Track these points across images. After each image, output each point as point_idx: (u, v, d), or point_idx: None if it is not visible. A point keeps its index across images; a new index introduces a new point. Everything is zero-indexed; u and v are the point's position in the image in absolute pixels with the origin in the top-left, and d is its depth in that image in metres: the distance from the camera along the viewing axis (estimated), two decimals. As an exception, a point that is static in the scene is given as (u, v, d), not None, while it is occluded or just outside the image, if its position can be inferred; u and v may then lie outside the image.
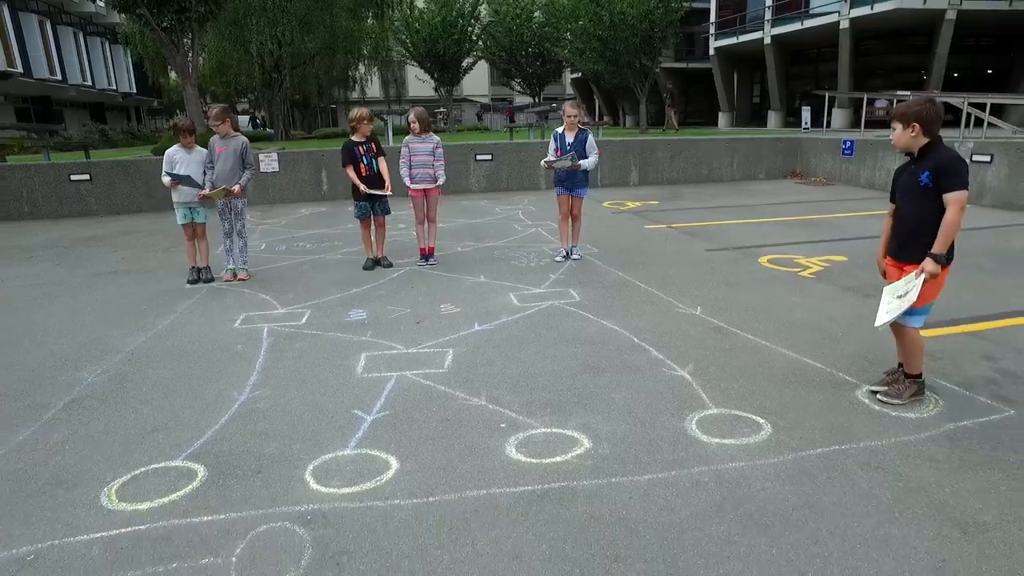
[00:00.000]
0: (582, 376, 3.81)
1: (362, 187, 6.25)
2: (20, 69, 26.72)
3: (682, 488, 2.67)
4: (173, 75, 34.53)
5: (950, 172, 3.07)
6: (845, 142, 12.48)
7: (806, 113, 18.63)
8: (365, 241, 6.70)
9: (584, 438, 3.09)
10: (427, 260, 6.69)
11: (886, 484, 2.66)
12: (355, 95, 36.34)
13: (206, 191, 5.88)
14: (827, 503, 2.54)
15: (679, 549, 2.29)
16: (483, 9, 30.28)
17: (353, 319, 4.97)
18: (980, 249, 6.83)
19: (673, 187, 12.98)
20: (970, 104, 11.57)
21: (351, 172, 6.35)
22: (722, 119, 30.28)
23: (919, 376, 3.41)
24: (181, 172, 5.90)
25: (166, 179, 5.98)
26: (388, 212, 6.66)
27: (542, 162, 6.66)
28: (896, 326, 3.35)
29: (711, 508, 2.53)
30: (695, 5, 28.91)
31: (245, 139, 6.04)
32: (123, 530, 2.48)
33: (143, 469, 2.91)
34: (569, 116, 6.34)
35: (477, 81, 44.40)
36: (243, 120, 33.39)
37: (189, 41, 15.14)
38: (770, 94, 26.99)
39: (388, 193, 6.44)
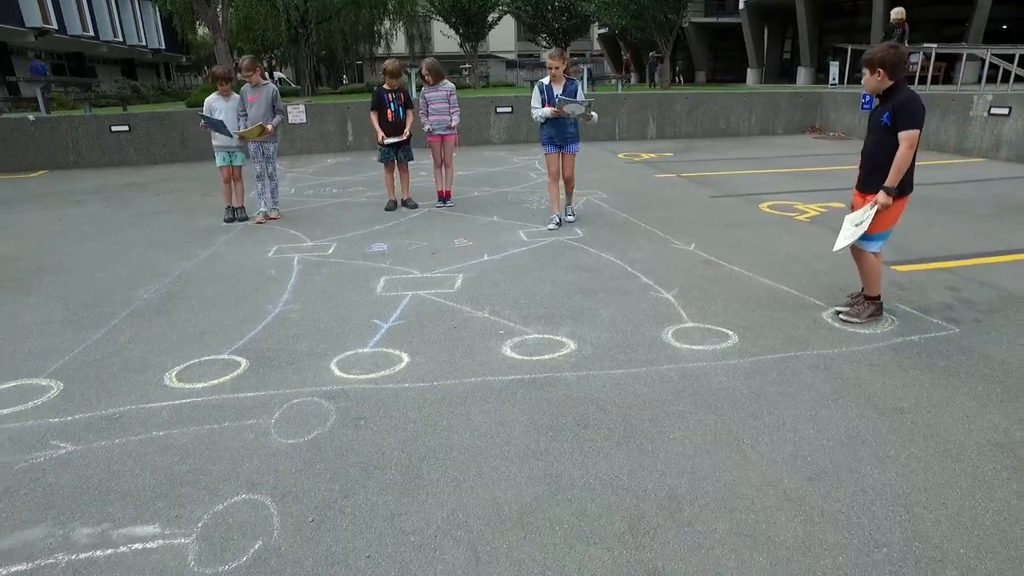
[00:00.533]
0: (576, 296, 4.25)
1: (380, 134, 6.77)
2: (55, 26, 27.29)
3: (649, 380, 3.13)
4: (201, 31, 34.91)
5: (904, 112, 3.37)
6: (864, 96, 12.46)
7: (834, 69, 18.36)
8: (388, 184, 7.18)
9: (571, 342, 3.55)
10: (444, 202, 7.11)
11: (827, 380, 3.08)
12: (380, 50, 36.32)
13: (242, 130, 6.25)
14: (772, 392, 2.98)
15: (637, 420, 2.76)
16: (509, -39, 29.91)
17: (375, 250, 5.47)
18: (983, 199, 7.04)
19: (689, 140, 13.15)
20: (996, 56, 11.46)
21: (374, 118, 6.80)
22: (750, 75, 29.78)
23: (878, 298, 3.78)
24: (220, 118, 6.33)
25: (201, 121, 6.53)
26: (411, 158, 7.11)
27: (538, 114, 5.82)
28: (856, 251, 3.71)
29: (671, 394, 2.99)
30: (726, -44, 28.27)
31: (274, 86, 6.43)
32: (184, 401, 3.03)
33: (196, 360, 3.46)
34: (551, 69, 5.76)
35: (503, 36, 43.95)
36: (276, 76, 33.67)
37: (219, -5, 15.46)
38: (800, 49, 26.45)
39: (402, 138, 6.81)
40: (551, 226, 6.07)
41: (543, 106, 5.78)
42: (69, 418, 2.89)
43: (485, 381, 3.14)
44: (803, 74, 26.28)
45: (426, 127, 6.86)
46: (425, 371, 3.26)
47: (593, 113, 5.74)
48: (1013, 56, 11.31)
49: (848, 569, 1.92)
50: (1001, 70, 11.79)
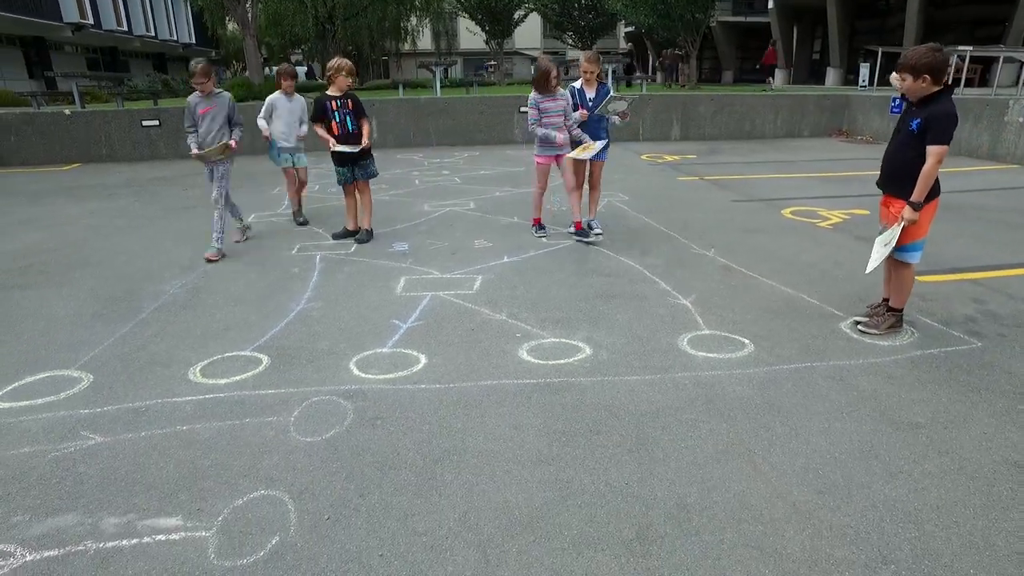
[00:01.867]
0: (593, 300, 4.28)
1: (331, 142, 5.44)
2: (91, 21, 27.90)
3: (663, 387, 3.14)
4: (231, 26, 35.39)
5: (935, 126, 3.29)
6: (894, 99, 12.25)
7: (864, 70, 18.07)
8: (348, 208, 5.98)
9: (586, 347, 3.58)
10: (586, 233, 5.73)
11: (842, 392, 3.07)
12: (406, 47, 36.55)
13: (196, 151, 5.27)
14: (786, 403, 2.98)
15: (650, 428, 2.78)
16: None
17: (396, 249, 5.54)
18: (1014, 207, 6.91)
19: (713, 142, 13.04)
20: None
21: (320, 129, 5.50)
22: (777, 76, 29.36)
23: (901, 311, 3.74)
24: (282, 117, 6.15)
25: (262, 124, 6.18)
26: (372, 175, 5.83)
27: (534, 128, 5.58)
28: (894, 262, 3.65)
29: (684, 402, 3.00)
30: (756, -46, 27.92)
31: (230, 95, 5.42)
32: (207, 396, 3.12)
33: (219, 356, 3.55)
34: (586, 72, 5.51)
35: (529, 34, 43.86)
36: (300, 71, 34.04)
37: (249, -8, 15.67)
38: (830, 50, 26.04)
39: (355, 149, 5.49)
40: (571, 233, 5.77)
41: (577, 110, 5.52)
42: (98, 410, 2.99)
43: (501, 384, 3.18)
44: (832, 75, 25.88)
45: (556, 140, 5.51)
46: (442, 373, 3.31)
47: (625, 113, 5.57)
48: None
49: (855, 585, 1.93)
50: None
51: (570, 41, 34.96)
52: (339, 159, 5.59)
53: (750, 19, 32.21)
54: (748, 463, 2.53)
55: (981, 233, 5.82)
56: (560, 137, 5.46)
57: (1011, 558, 2.02)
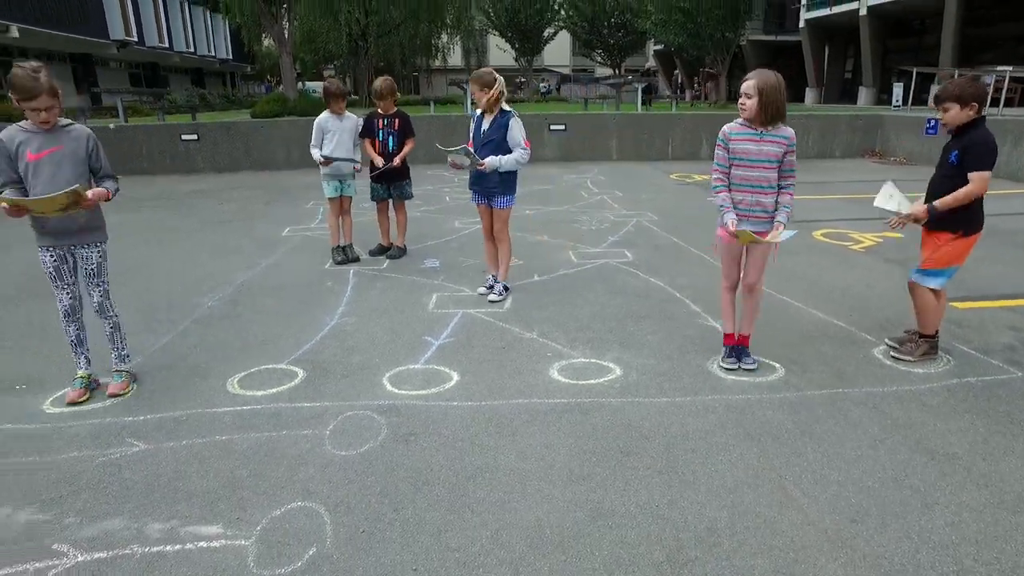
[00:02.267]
0: (624, 321, 4.30)
1: (378, 159, 5.55)
2: (136, 38, 28.88)
3: (694, 410, 3.15)
4: (266, 42, 36.31)
5: (974, 155, 3.32)
6: (929, 120, 12.10)
7: (898, 90, 17.90)
8: (380, 226, 5.96)
9: (617, 368, 3.60)
10: (740, 357, 3.64)
11: (876, 420, 3.04)
12: (437, 63, 37.07)
13: (30, 197, 2.98)
14: (817, 429, 2.96)
15: (680, 451, 2.79)
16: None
17: (427, 266, 5.63)
18: (1050, 232, 6.77)
19: (744, 162, 12.98)
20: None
21: (367, 146, 5.63)
22: (809, 95, 29.23)
23: (933, 336, 3.70)
24: (333, 140, 5.46)
25: (316, 154, 5.44)
26: (407, 196, 5.84)
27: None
28: (911, 285, 3.63)
29: (715, 425, 3.00)
30: (788, -26, 27.90)
31: (88, 131, 3.20)
32: (244, 407, 3.20)
33: (256, 368, 3.64)
34: (474, 95, 4.46)
35: (558, 51, 44.29)
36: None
37: (285, 11, 16.10)
38: (863, 69, 25.83)
39: (387, 166, 5.54)
40: (482, 290, 4.88)
41: (465, 145, 4.47)
42: (141, 418, 3.10)
43: (531, 403, 3.22)
44: (864, 94, 25.67)
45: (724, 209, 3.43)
46: (474, 390, 3.36)
47: (485, 161, 4.37)
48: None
49: (890, 616, 1.92)
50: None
51: (599, 59, 35.22)
52: (376, 175, 5.67)
53: (781, 38, 32.09)
54: (779, 489, 2.52)
55: (1018, 259, 5.71)
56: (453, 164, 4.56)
57: (1052, 595, 1.99)
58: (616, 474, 2.63)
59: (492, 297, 4.74)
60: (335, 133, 5.48)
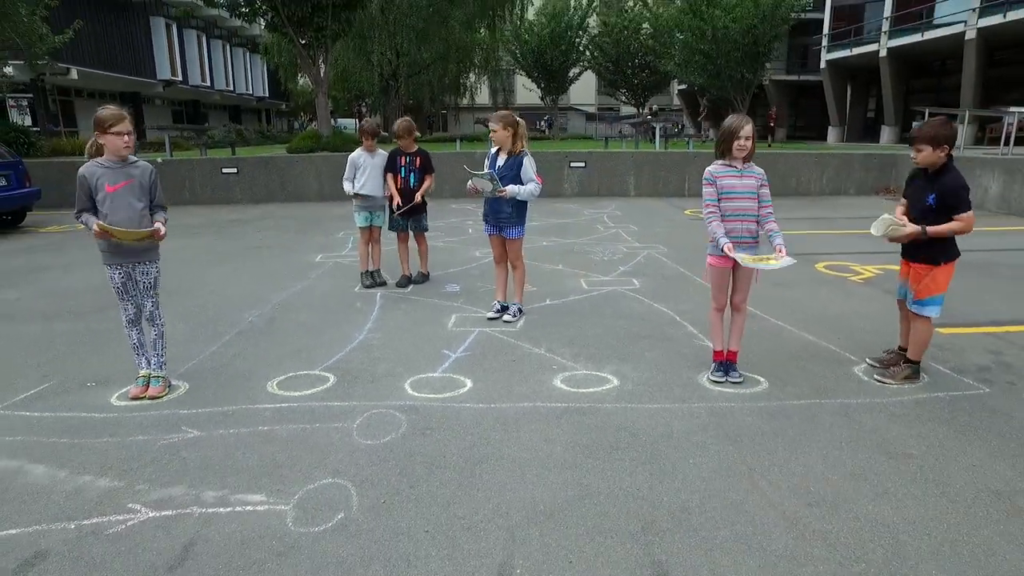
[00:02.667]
0: (625, 340, 4.68)
1: (396, 199, 5.95)
2: (180, 78, 30.54)
3: (680, 414, 3.51)
4: (301, 81, 37.97)
5: (957, 199, 3.62)
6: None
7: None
8: (400, 255, 6.34)
9: (614, 379, 3.98)
10: (728, 371, 3.97)
11: (846, 426, 3.37)
12: (465, 101, 38.31)
13: (97, 227, 3.51)
14: (790, 432, 3.30)
15: (663, 447, 3.15)
16: (592, 21, 31.25)
17: (448, 290, 6.09)
18: (1047, 266, 7.00)
19: (759, 198, 13.34)
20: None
21: (390, 181, 6.03)
22: (831, 134, 29.55)
23: (918, 363, 3.98)
24: (365, 174, 5.94)
25: (348, 187, 6.00)
26: (423, 229, 6.31)
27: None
28: (912, 315, 3.88)
29: (697, 427, 3.36)
30: (809, 16, 28.55)
31: (151, 166, 3.78)
32: (283, 405, 3.65)
33: (293, 373, 4.10)
34: (493, 132, 4.89)
35: (584, 90, 45.34)
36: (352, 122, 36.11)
37: (323, 54, 17.09)
38: (884, 109, 26.13)
39: (409, 204, 5.95)
40: (491, 314, 5.21)
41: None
42: (195, 411, 3.56)
43: (535, 407, 3.61)
44: (887, 133, 25.88)
45: (717, 235, 3.74)
46: (485, 395, 3.77)
47: (507, 188, 4.75)
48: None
49: (828, 575, 2.25)
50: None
51: (623, 98, 36.04)
52: (398, 211, 6.01)
53: (803, 77, 32.62)
54: (747, 479, 2.87)
55: (1010, 290, 5.97)
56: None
57: (973, 563, 2.30)
58: (604, 464, 3.00)
59: (507, 318, 5.15)
60: (366, 168, 5.96)
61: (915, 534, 2.47)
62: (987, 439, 3.22)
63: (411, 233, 6.29)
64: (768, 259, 3.71)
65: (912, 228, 3.71)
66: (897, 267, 6.38)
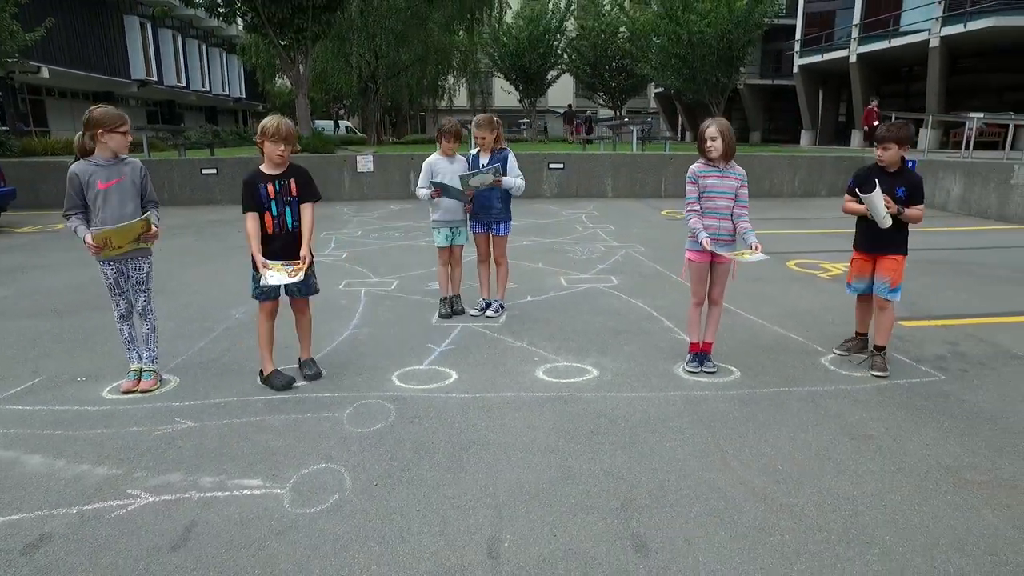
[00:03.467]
0: (604, 334, 4.86)
1: (259, 259, 3.78)
2: (155, 78, 30.21)
3: (657, 402, 3.69)
4: (278, 82, 37.74)
5: (919, 191, 4.02)
6: (908, 162, 12.76)
7: (883, 133, 18.60)
8: (267, 343, 3.98)
9: (594, 370, 4.15)
10: (702, 362, 4.15)
11: (811, 411, 3.57)
12: (443, 103, 38.39)
13: (104, 229, 3.54)
14: (761, 417, 3.49)
15: (641, 431, 3.33)
16: (569, 24, 31.56)
17: (432, 288, 6.20)
18: (1007, 263, 7.33)
19: (733, 199, 13.66)
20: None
21: (250, 224, 3.81)
22: (804, 137, 30.16)
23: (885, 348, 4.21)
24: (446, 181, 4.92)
25: (423, 192, 5.04)
26: (313, 291, 4.11)
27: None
28: (882, 301, 4.12)
29: (673, 414, 3.54)
30: (782, 22, 29.18)
31: (140, 163, 3.85)
32: (274, 396, 3.76)
33: (282, 367, 4.18)
34: (478, 138, 5.01)
35: (561, 93, 45.62)
36: (343, 126, 35.99)
37: (303, 56, 17.08)
38: (855, 113, 26.77)
39: (291, 270, 3.75)
40: (474, 311, 5.33)
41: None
42: (187, 403, 3.65)
43: (519, 396, 3.76)
44: (857, 137, 26.46)
45: (701, 236, 3.91)
46: (469, 385, 3.91)
47: (504, 178, 4.89)
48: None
49: (792, 544, 2.43)
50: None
51: (600, 101, 36.42)
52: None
53: (777, 82, 33.26)
54: (720, 459, 3.05)
55: (971, 286, 6.27)
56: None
57: (922, 529, 2.50)
58: (585, 447, 3.16)
59: (490, 313, 5.31)
60: (445, 176, 4.97)
61: (872, 505, 2.66)
62: (940, 420, 3.44)
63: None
64: (744, 253, 3.90)
65: (894, 207, 3.96)
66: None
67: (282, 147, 3.78)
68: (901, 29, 23.33)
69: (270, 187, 3.83)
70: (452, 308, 5.38)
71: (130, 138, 3.74)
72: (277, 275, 3.72)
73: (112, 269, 3.81)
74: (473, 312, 5.36)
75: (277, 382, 3.88)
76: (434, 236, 5.30)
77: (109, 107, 3.66)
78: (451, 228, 5.25)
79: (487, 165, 4.96)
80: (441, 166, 5.07)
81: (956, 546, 2.41)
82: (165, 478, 2.86)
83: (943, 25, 20.76)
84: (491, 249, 5.32)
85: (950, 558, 2.34)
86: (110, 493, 2.74)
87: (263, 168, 3.90)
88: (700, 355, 4.20)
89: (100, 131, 3.57)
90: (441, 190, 4.97)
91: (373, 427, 3.37)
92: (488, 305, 5.39)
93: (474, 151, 5.20)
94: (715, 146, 3.91)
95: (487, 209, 5.12)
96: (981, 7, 19.45)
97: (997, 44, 20.74)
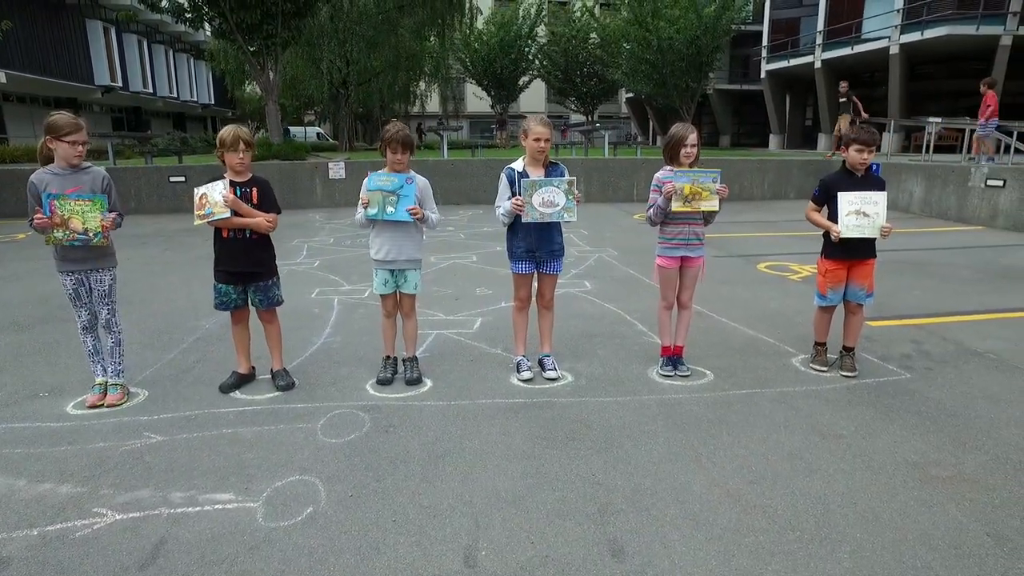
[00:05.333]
0: (578, 338, 4.88)
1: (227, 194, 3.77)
2: (120, 84, 29.60)
3: (632, 406, 3.71)
4: (248, 88, 37.28)
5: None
6: (872, 165, 13.07)
7: (848, 137, 19.04)
8: (239, 346, 4.06)
9: (569, 375, 4.16)
10: (676, 366, 4.15)
11: (783, 412, 3.63)
12: (416, 109, 38.26)
13: (37, 219, 3.44)
14: (733, 419, 3.54)
15: (616, 435, 3.34)
16: (540, 30, 31.74)
17: (405, 294, 6.17)
18: (970, 264, 7.55)
19: (704, 203, 13.85)
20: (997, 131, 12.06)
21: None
22: (773, 141, 30.72)
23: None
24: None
25: (360, 215, 4.21)
26: (276, 303, 4.05)
27: (500, 212, 3.96)
28: (854, 307, 4.18)
29: (648, 417, 3.56)
30: (749, 28, 29.75)
31: (104, 172, 3.74)
32: (246, 408, 3.69)
33: (254, 378, 4.13)
34: (538, 141, 3.81)
35: (533, 98, 45.81)
36: (311, 132, 35.66)
37: (272, 62, 16.89)
38: (821, 117, 27.35)
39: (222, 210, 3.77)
40: (526, 375, 4.07)
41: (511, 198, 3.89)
42: (156, 417, 3.57)
43: (494, 403, 3.76)
44: (823, 140, 27.04)
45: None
46: (444, 393, 3.89)
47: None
48: (1012, 131, 11.89)
49: (767, 544, 2.46)
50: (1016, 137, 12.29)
51: (572, 106, 36.64)
52: (223, 275, 4.10)
53: (745, 87, 33.86)
54: (695, 462, 3.08)
55: (935, 286, 6.44)
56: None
57: (891, 525, 2.56)
58: (561, 453, 3.16)
59: (550, 374, 4.09)
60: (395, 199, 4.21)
61: (842, 503, 2.71)
62: (906, 418, 3.53)
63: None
64: (703, 193, 3.85)
65: (890, 231, 4.07)
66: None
67: (240, 154, 3.83)
68: (863, 36, 23.96)
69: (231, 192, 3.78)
70: (395, 372, 4.12)
71: (81, 148, 3.53)
72: (213, 193, 3.80)
73: (72, 279, 3.70)
74: (524, 377, 4.06)
75: (223, 382, 3.97)
76: (374, 280, 4.12)
77: (66, 114, 3.53)
78: (391, 271, 4.10)
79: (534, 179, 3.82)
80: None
81: (923, 541, 2.46)
82: (133, 495, 2.79)
83: (902, 33, 21.38)
84: (534, 293, 4.22)
85: (917, 553, 2.39)
86: (74, 512, 2.67)
87: (227, 175, 3.95)
88: (673, 359, 4.24)
89: (50, 138, 3.48)
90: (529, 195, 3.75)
91: (347, 437, 3.33)
92: (541, 363, 4.20)
93: (516, 165, 3.95)
94: (693, 153, 3.97)
95: (550, 243, 4.05)
96: (936, 16, 20.09)
97: (952, 51, 21.43)
